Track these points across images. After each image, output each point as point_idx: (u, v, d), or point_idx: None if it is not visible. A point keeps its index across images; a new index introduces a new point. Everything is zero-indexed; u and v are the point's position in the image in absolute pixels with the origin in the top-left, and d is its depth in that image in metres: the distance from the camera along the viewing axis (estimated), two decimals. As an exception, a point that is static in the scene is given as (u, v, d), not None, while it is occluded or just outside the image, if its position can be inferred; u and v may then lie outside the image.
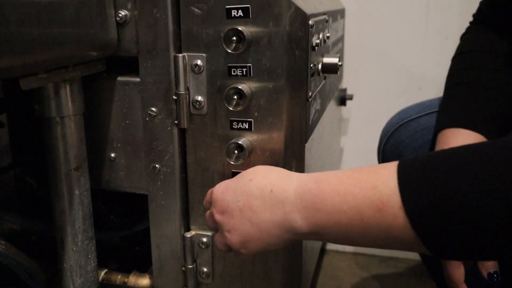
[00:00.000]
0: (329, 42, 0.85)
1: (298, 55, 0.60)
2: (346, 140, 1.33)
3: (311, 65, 0.62)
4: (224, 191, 0.54)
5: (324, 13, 0.74)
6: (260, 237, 0.51)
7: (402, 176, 0.43)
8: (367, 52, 1.26)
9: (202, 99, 0.62)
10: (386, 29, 1.24)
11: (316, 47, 0.63)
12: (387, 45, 1.24)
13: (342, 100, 1.15)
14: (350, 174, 0.47)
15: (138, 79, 0.63)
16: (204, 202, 0.62)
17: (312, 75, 0.65)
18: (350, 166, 1.37)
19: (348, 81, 1.27)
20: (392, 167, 0.45)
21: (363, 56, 1.26)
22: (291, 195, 0.50)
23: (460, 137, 0.73)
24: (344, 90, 1.18)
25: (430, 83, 1.24)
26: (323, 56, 0.73)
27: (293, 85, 0.60)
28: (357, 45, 1.26)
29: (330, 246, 1.47)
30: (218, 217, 0.54)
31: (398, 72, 1.26)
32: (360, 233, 0.46)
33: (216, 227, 0.57)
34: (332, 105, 1.02)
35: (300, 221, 0.49)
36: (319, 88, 0.73)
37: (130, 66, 0.64)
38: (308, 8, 0.61)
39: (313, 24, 0.60)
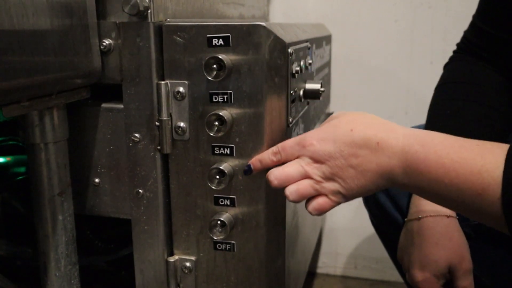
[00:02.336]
0: (313, 68, 0.86)
1: (278, 82, 0.61)
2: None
3: (291, 92, 0.64)
4: (321, 142, 0.55)
5: (306, 41, 0.76)
6: (363, 184, 0.55)
7: (508, 170, 0.46)
8: (354, 76, 1.28)
9: (184, 125, 0.63)
10: (372, 55, 1.26)
11: (296, 74, 0.64)
12: (374, 70, 1.26)
13: (329, 124, 1.16)
14: (457, 150, 0.50)
15: (122, 106, 0.64)
16: (270, 154, 0.59)
17: (293, 101, 0.66)
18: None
19: (336, 106, 1.29)
20: (500, 155, 0.48)
21: (350, 81, 1.28)
22: (397, 152, 0.53)
23: None
24: (331, 114, 1.19)
25: (416, 108, 1.26)
26: (305, 82, 0.74)
27: (273, 112, 0.62)
28: (344, 70, 1.28)
29: (320, 270, 1.47)
30: (315, 166, 0.56)
31: (385, 96, 1.28)
32: (454, 203, 0.51)
33: (301, 177, 0.57)
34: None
35: (402, 177, 0.53)
36: (301, 113, 0.74)
37: (114, 93, 0.65)
38: (288, 37, 0.63)
39: (293, 52, 0.62)
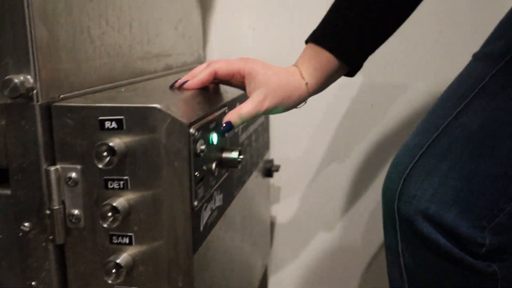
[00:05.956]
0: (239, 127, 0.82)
1: (178, 166, 0.56)
2: (279, 207, 1.30)
3: (196, 174, 0.59)
4: None
5: (224, 105, 0.72)
6: None
7: None
8: (295, 117, 1.24)
9: (78, 213, 0.58)
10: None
11: (202, 153, 0.60)
12: (316, 109, 1.23)
13: (268, 172, 1.13)
14: None
15: (9, 192, 0.58)
16: None
17: (202, 179, 0.61)
18: (283, 235, 1.33)
19: (277, 151, 1.25)
20: None
21: (291, 123, 1.25)
22: None
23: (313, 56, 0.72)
24: (271, 161, 1.15)
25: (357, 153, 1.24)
26: (222, 151, 0.70)
27: (174, 197, 0.57)
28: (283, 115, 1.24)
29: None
30: None
31: (325, 140, 1.25)
32: None
33: None
34: (254, 179, 0.99)
35: None
36: (218, 184, 0.69)
37: (3, 176, 0.60)
38: (191, 114, 0.58)
39: (195, 133, 0.57)
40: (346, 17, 0.71)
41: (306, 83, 0.70)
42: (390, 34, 0.73)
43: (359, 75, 1.13)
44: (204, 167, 0.62)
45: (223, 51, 1.23)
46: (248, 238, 0.98)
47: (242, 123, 0.67)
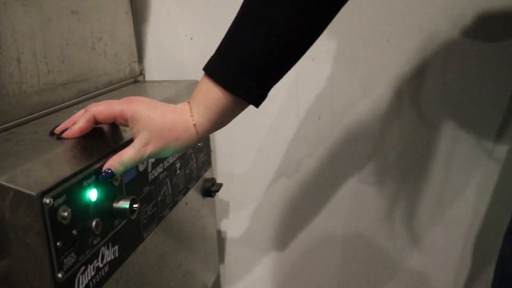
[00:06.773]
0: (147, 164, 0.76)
1: (31, 241, 0.51)
2: (228, 222, 1.25)
3: (58, 243, 0.53)
4: None
5: (114, 150, 0.66)
6: None
7: None
8: (239, 135, 1.18)
9: None
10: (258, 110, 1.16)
11: (65, 221, 0.54)
12: (259, 126, 1.16)
13: (208, 192, 1.07)
14: None
15: None
16: None
17: (72, 245, 0.56)
18: (235, 250, 1.28)
19: (223, 166, 1.19)
20: None
21: (235, 140, 1.18)
22: None
23: (203, 90, 0.63)
24: (211, 180, 1.09)
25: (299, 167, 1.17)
26: (113, 200, 0.65)
27: (30, 274, 0.52)
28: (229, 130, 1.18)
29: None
30: None
31: (274, 155, 1.18)
32: None
33: None
34: (184, 206, 0.94)
35: None
36: (106, 239, 0.64)
37: None
38: (47, 180, 0.52)
39: (51, 201, 0.51)
40: (239, 43, 0.60)
41: (194, 124, 0.63)
42: (295, 59, 0.62)
43: (307, 88, 1.06)
44: (74, 232, 0.56)
45: (162, 63, 1.16)
46: (180, 266, 0.93)
47: (125, 170, 0.62)
